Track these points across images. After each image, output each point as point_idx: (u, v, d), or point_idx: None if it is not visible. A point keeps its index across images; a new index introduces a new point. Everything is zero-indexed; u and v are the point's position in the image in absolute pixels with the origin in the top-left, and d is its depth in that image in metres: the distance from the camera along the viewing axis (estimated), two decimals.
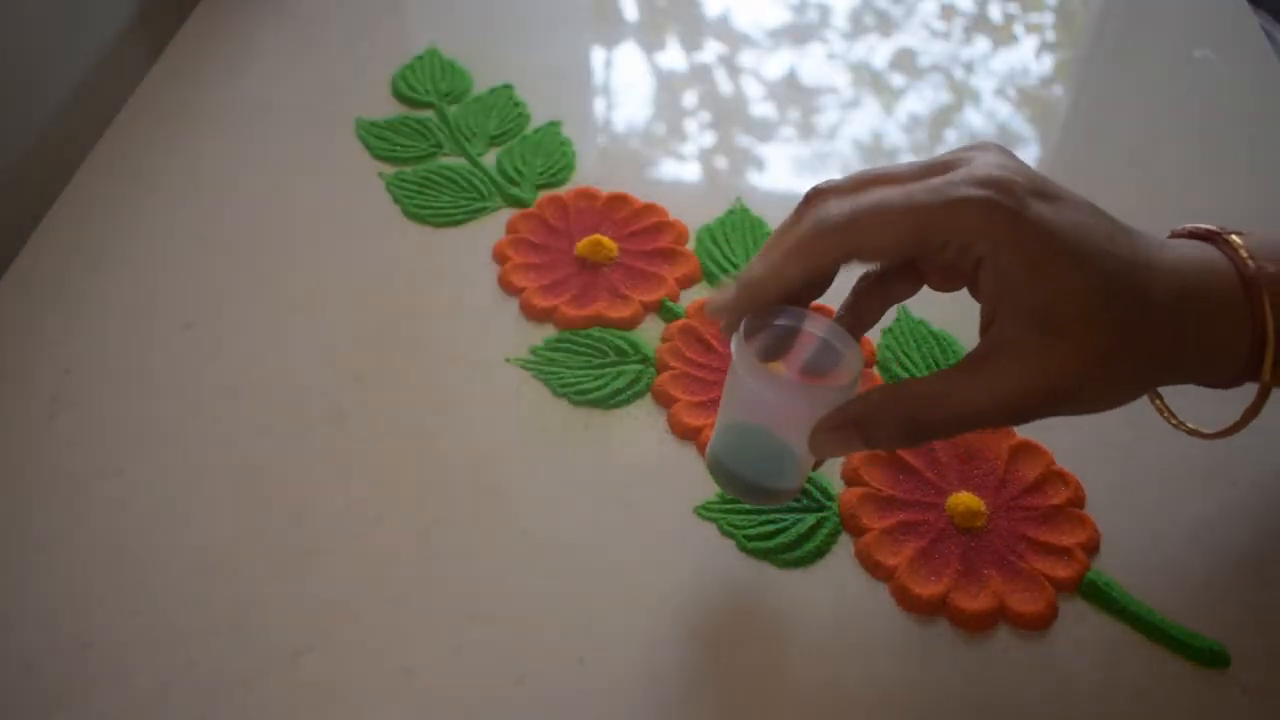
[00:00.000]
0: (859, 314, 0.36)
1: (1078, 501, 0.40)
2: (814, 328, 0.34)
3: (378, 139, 0.55)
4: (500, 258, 0.49)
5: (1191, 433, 0.37)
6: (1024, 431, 0.42)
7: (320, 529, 0.39)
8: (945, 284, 0.35)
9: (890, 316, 0.46)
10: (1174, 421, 0.37)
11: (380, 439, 0.42)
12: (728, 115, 0.58)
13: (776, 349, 0.35)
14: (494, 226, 0.51)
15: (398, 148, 0.54)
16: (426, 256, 0.49)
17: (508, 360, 0.45)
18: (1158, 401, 0.38)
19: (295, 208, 0.51)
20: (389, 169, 0.53)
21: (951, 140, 0.58)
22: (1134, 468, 0.42)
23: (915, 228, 0.31)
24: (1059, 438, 0.42)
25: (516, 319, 0.47)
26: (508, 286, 0.48)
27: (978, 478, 0.41)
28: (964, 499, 0.40)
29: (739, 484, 0.37)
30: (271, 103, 0.57)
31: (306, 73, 0.59)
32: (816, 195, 0.33)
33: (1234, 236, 0.34)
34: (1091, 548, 0.39)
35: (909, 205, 0.31)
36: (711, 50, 0.62)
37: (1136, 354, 0.32)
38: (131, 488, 0.40)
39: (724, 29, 0.64)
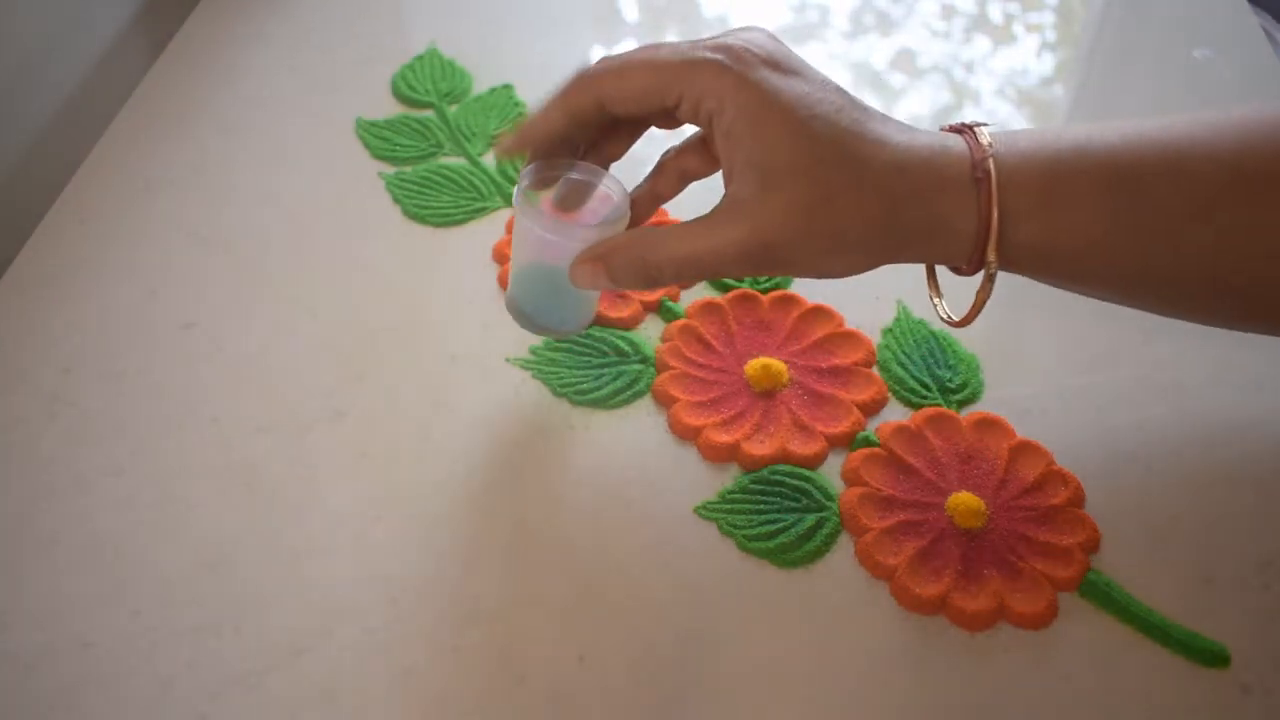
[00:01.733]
0: (658, 184, 0.40)
1: (1078, 501, 0.40)
2: (593, 177, 0.39)
3: (378, 139, 0.55)
4: (500, 258, 0.49)
5: (944, 320, 0.39)
6: (1024, 431, 0.42)
7: (320, 528, 0.39)
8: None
9: (890, 316, 0.46)
10: (936, 303, 0.40)
11: (380, 439, 0.42)
12: None
13: (572, 201, 0.40)
14: (494, 226, 0.51)
15: (398, 148, 0.54)
16: (426, 256, 0.49)
17: (508, 360, 0.45)
18: (929, 279, 0.40)
19: (295, 208, 0.51)
20: (389, 169, 0.53)
21: None
22: (1134, 468, 0.42)
23: (652, 79, 0.35)
24: (1059, 438, 0.42)
25: None
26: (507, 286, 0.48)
27: (978, 478, 0.41)
28: (964, 499, 0.40)
29: (527, 321, 0.41)
30: (271, 103, 0.57)
31: (306, 73, 0.59)
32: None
33: (983, 127, 0.36)
34: (1091, 548, 0.39)
35: (651, 61, 0.36)
36: None
37: (837, 214, 0.34)
38: (131, 488, 0.40)
39: (724, 29, 0.64)
